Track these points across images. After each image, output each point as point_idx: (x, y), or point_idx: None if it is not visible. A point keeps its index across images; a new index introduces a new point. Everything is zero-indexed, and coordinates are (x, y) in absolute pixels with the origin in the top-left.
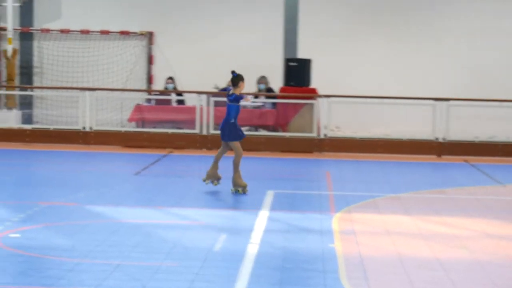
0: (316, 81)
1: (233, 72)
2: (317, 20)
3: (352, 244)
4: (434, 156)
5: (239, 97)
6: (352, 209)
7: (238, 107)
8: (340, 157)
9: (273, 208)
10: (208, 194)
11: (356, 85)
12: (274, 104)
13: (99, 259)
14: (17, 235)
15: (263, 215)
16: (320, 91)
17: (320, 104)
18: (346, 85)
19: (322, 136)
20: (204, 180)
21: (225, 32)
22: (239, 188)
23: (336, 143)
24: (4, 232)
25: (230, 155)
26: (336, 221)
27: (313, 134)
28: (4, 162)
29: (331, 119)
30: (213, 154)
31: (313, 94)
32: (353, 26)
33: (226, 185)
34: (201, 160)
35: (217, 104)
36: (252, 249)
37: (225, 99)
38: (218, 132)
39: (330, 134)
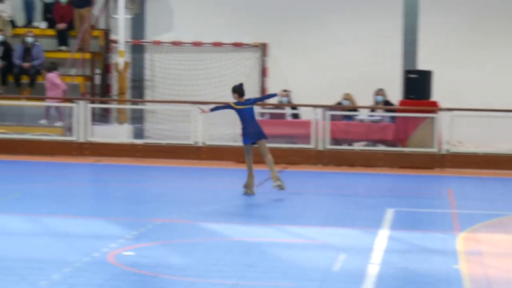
0: (437, 93)
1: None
2: (437, 29)
3: (478, 265)
4: None
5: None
6: (477, 229)
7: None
8: (462, 173)
9: (393, 226)
10: (325, 211)
11: (478, 97)
12: (393, 118)
13: (214, 279)
14: (131, 253)
15: (383, 234)
16: (442, 104)
17: (442, 118)
18: (468, 98)
19: (443, 152)
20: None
21: (340, 43)
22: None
23: (459, 158)
24: (118, 249)
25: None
26: (461, 241)
27: (434, 149)
28: (115, 177)
29: (453, 133)
30: (329, 169)
31: (434, 107)
32: (476, 35)
33: (344, 202)
34: (317, 176)
35: (333, 118)
36: (373, 269)
37: (341, 113)
38: (335, 147)
39: (452, 149)
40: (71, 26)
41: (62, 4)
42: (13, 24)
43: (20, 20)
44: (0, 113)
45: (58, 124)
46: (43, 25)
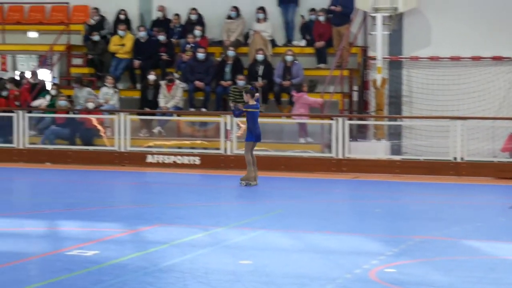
0: None
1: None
2: None
3: None
4: None
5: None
6: None
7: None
8: None
9: None
10: None
11: None
12: None
13: None
14: (392, 270)
15: None
16: None
17: None
18: None
19: None
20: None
21: None
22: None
23: None
24: (379, 266)
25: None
26: None
27: None
28: (374, 194)
29: None
30: None
31: None
32: None
33: None
34: None
35: None
36: None
37: None
38: None
39: None
40: (329, 44)
41: (321, 23)
42: (273, 43)
43: (280, 39)
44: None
45: (302, 140)
46: (302, 43)
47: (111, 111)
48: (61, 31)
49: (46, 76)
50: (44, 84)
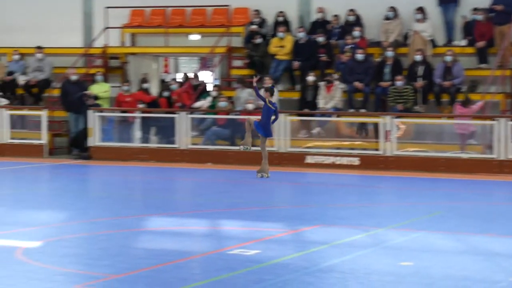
0: None
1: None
2: None
3: None
4: None
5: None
6: None
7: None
8: None
9: None
10: None
11: None
12: None
13: None
14: None
15: None
16: None
17: None
18: None
19: None
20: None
21: None
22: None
23: None
24: None
25: None
26: None
27: None
28: None
29: None
30: None
31: None
32: None
33: None
34: None
35: None
36: None
37: None
38: None
39: None
40: (490, 44)
41: (482, 22)
42: (433, 43)
43: (440, 39)
44: (421, 131)
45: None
46: (463, 43)
47: None
48: (222, 34)
49: (207, 78)
50: (205, 85)
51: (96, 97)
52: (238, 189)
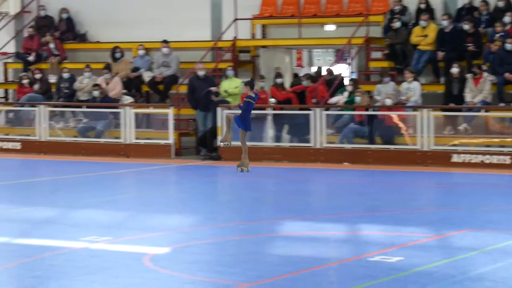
0: None
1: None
2: None
3: None
4: None
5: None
6: None
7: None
8: None
9: None
10: None
11: None
12: None
13: None
14: None
15: None
16: None
17: None
18: None
19: None
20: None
21: None
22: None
23: None
24: None
25: None
26: None
27: None
28: None
29: None
30: None
31: None
32: None
33: None
34: None
35: None
36: None
37: None
38: None
39: None
40: None
41: None
42: None
43: None
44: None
45: None
46: None
47: (413, 107)
48: (360, 23)
49: (343, 71)
50: (342, 79)
51: (217, 94)
52: (377, 190)
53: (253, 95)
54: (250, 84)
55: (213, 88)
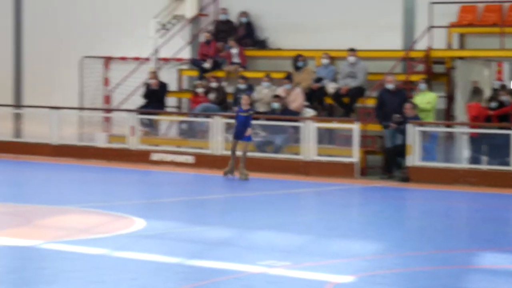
0: None
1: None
2: None
3: None
4: None
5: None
6: None
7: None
8: None
9: None
10: None
11: None
12: None
13: None
14: None
15: None
16: None
17: None
18: None
19: None
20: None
21: None
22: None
23: None
24: None
25: None
26: None
27: None
28: None
29: None
30: None
31: None
32: None
33: None
34: None
35: None
36: None
37: None
38: None
39: None
40: None
41: None
42: None
43: None
44: None
45: None
46: None
47: None
48: None
49: None
50: None
51: (401, 122)
52: None
53: (242, 108)
54: (250, 97)
55: (396, 116)
